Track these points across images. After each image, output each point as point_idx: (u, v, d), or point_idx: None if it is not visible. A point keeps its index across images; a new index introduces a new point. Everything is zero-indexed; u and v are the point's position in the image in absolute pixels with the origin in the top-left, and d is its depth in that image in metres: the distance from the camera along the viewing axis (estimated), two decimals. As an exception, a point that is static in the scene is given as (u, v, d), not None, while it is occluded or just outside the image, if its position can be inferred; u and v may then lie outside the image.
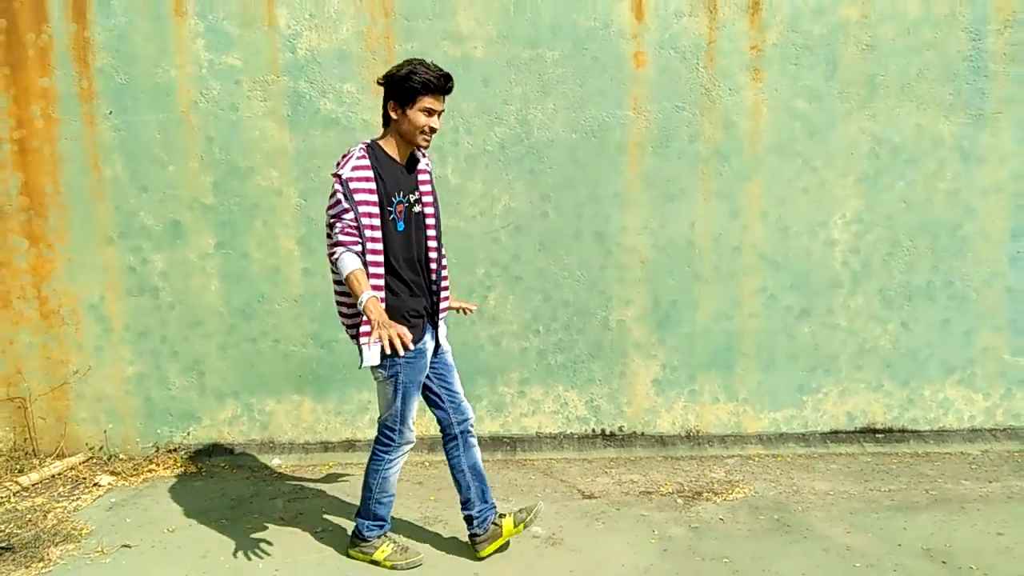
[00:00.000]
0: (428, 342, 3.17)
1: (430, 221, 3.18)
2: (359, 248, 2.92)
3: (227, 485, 4.12)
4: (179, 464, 4.35)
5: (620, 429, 4.54)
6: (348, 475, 4.22)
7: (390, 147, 3.08)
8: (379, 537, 3.29)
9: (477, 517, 3.27)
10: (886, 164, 4.34)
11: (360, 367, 3.06)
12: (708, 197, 4.37)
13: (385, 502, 3.27)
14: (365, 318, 2.87)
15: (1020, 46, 4.26)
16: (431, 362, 3.22)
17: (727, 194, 4.37)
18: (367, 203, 2.94)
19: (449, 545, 3.41)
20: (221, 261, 4.38)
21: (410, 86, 2.94)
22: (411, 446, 3.25)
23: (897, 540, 3.39)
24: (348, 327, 3.12)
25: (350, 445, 4.48)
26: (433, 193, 3.22)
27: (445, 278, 3.27)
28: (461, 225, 4.37)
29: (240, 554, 3.36)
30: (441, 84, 2.98)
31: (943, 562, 3.20)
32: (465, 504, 3.30)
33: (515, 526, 3.26)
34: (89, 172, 4.31)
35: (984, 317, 4.45)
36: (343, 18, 4.22)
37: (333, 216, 2.94)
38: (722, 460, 4.34)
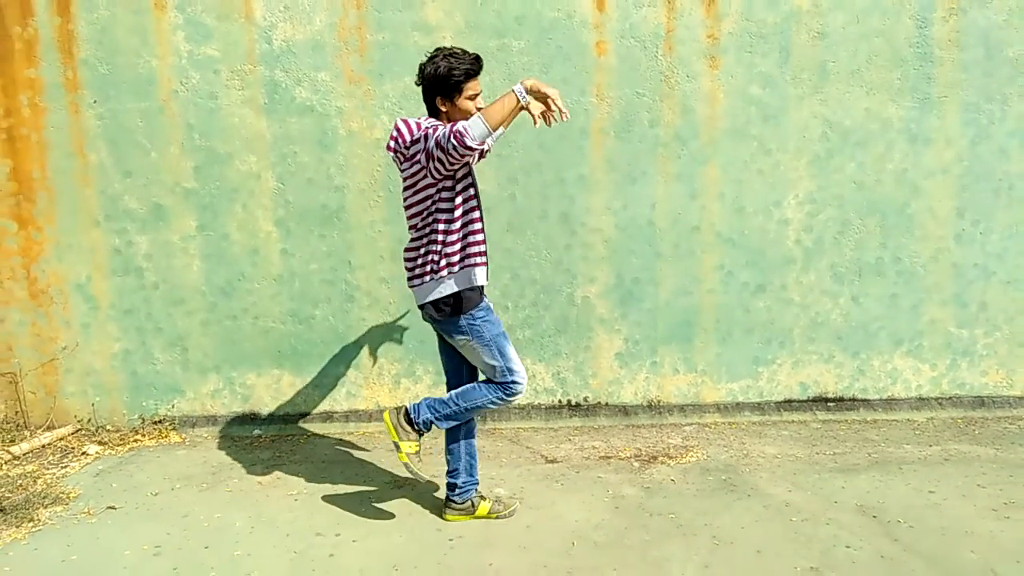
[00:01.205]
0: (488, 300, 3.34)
1: (474, 203, 3.25)
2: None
3: (209, 454, 4.34)
4: (163, 435, 4.57)
5: (585, 400, 4.77)
6: (325, 443, 4.44)
7: None
8: (419, 434, 3.33)
9: (460, 487, 3.47)
10: (837, 147, 4.55)
11: (436, 317, 3.21)
12: (668, 179, 4.58)
13: (463, 417, 3.33)
14: (443, 263, 3.11)
15: (964, 33, 4.47)
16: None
17: (686, 176, 4.58)
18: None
19: (415, 506, 3.64)
20: (203, 242, 4.58)
21: (454, 80, 3.10)
22: (524, 387, 3.33)
23: (835, 498, 3.63)
24: (420, 275, 3.21)
25: (327, 416, 4.71)
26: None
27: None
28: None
29: (219, 514, 3.58)
30: (478, 68, 3.15)
31: (874, 516, 3.44)
32: (452, 472, 3.49)
33: (488, 512, 3.48)
34: (75, 158, 4.51)
35: (931, 291, 4.68)
36: (316, 10, 4.41)
37: (428, 135, 2.98)
38: (680, 428, 4.58)
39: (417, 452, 3.35)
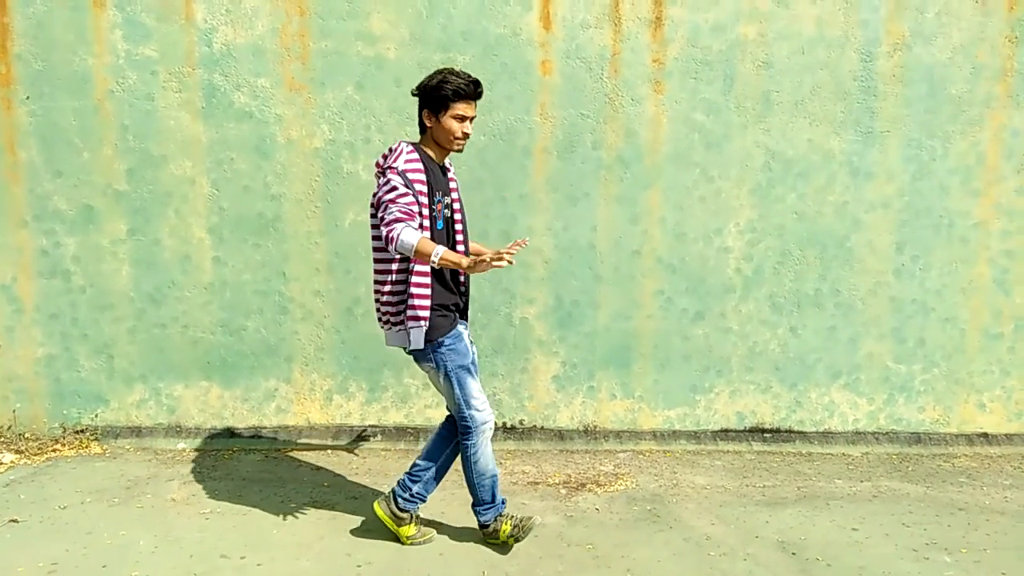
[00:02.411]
0: (462, 330, 3.28)
1: (459, 227, 3.32)
2: (416, 224, 3.01)
3: (127, 466, 4.21)
4: (84, 445, 4.43)
5: (520, 423, 4.70)
6: (250, 460, 4.32)
7: (431, 149, 3.23)
8: (495, 519, 3.36)
9: (409, 500, 3.38)
10: (779, 176, 4.54)
11: (408, 350, 3.21)
12: (609, 202, 4.54)
13: (487, 484, 3.33)
14: (411, 303, 3.08)
15: (908, 69, 4.49)
16: None
17: (628, 199, 4.55)
18: (421, 193, 3.07)
19: (329, 530, 3.54)
20: (133, 247, 4.46)
21: (442, 94, 3.08)
22: (488, 426, 3.28)
23: (756, 532, 3.58)
24: (391, 315, 3.18)
25: (256, 432, 4.59)
26: (459, 199, 3.37)
27: (468, 278, 3.41)
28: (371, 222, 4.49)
29: (124, 532, 3.46)
30: (471, 90, 3.11)
31: (793, 553, 3.40)
32: (412, 477, 3.40)
33: (406, 537, 3.37)
34: (4, 155, 4.38)
35: (869, 325, 4.67)
36: (259, 14, 4.33)
37: (389, 199, 2.98)
38: (614, 454, 4.52)
39: (513, 526, 3.34)
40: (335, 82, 4.38)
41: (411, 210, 2.99)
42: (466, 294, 3.38)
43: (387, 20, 4.36)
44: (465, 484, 3.39)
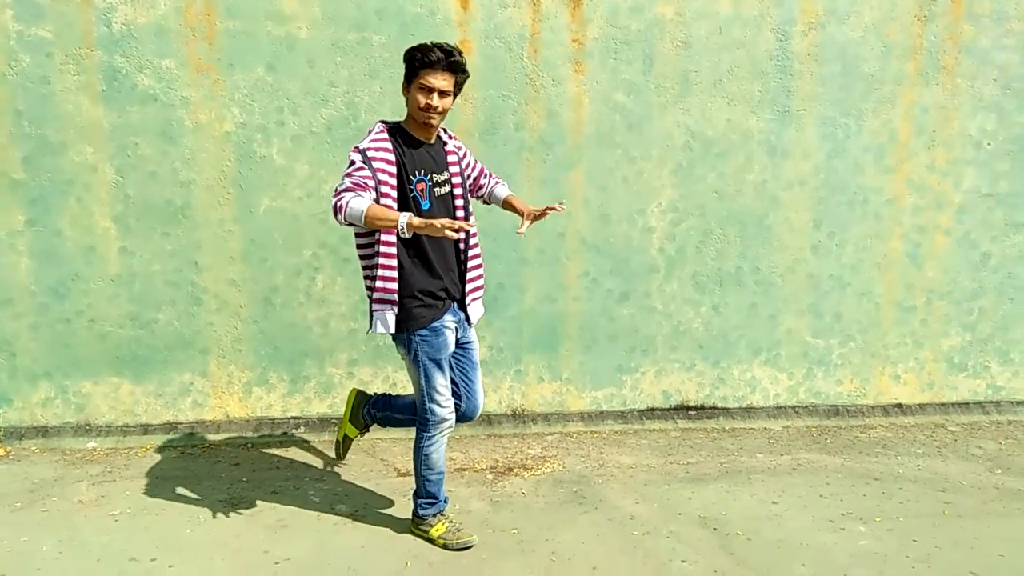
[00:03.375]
0: (449, 322, 3.17)
1: (459, 202, 3.18)
2: (370, 196, 2.86)
3: (33, 468, 4.01)
4: (-15, 448, 4.20)
5: (448, 409, 4.64)
6: (164, 457, 4.17)
7: (411, 127, 3.10)
8: (434, 515, 3.31)
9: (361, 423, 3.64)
10: (699, 156, 4.56)
11: (368, 332, 3.17)
12: (533, 184, 4.50)
13: (434, 479, 3.29)
14: (379, 286, 2.98)
15: (823, 47, 4.55)
16: (456, 352, 3.27)
17: (551, 181, 4.51)
18: (385, 172, 2.93)
19: (247, 527, 3.43)
20: (32, 238, 4.22)
21: (411, 65, 3.00)
22: (447, 424, 3.23)
23: (679, 509, 3.62)
24: (368, 290, 3.12)
25: (171, 427, 4.42)
26: (461, 174, 3.22)
27: (477, 259, 3.28)
28: (288, 206, 4.36)
29: (27, 537, 3.29)
30: (436, 59, 2.94)
31: (714, 528, 3.44)
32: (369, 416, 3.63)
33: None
34: None
35: (788, 301, 4.76)
36: (160, -8, 4.12)
37: (344, 175, 2.89)
38: (542, 437, 4.51)
39: (449, 526, 3.28)
40: (244, 63, 4.21)
41: (364, 183, 2.87)
42: (465, 275, 3.23)
43: (298, -2, 4.21)
44: (395, 473, 3.33)
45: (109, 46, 4.13)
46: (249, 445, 4.35)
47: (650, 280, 4.65)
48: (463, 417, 3.40)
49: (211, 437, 4.38)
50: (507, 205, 3.48)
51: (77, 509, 3.56)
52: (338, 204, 2.83)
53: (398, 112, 4.29)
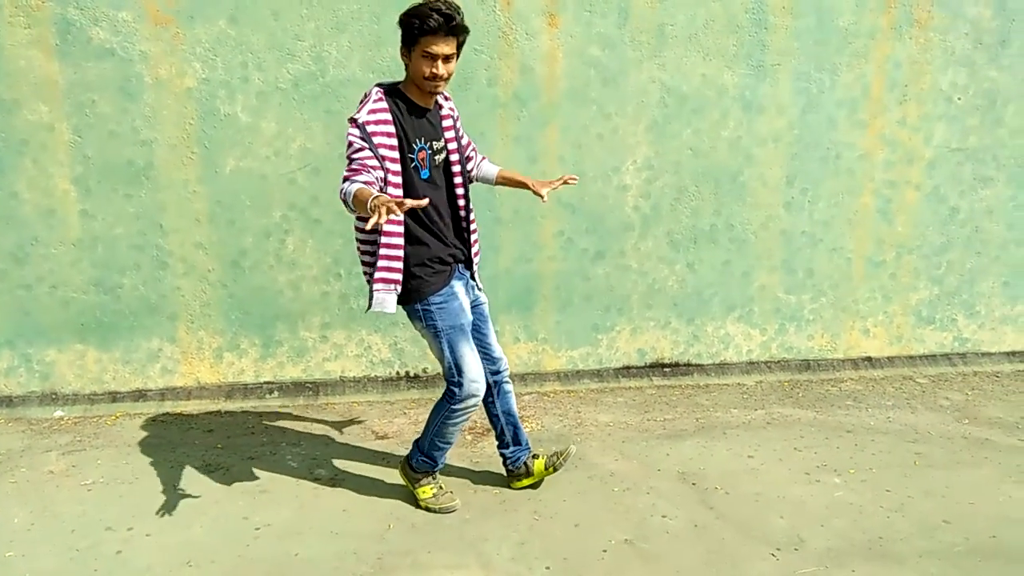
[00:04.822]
0: (458, 287, 3.09)
1: (456, 168, 3.07)
2: (364, 178, 2.72)
3: (-2, 439, 3.90)
4: (-54, 420, 4.08)
5: (424, 371, 4.61)
6: (134, 425, 4.08)
7: (411, 92, 2.94)
8: (426, 474, 3.27)
9: (510, 457, 3.40)
10: (674, 112, 4.52)
11: (367, 311, 3.05)
12: (507, 141, 4.42)
13: (441, 446, 3.23)
14: (382, 264, 2.86)
15: (798, 0, 4.50)
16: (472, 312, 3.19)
17: (526, 138, 4.43)
18: (385, 145, 2.80)
19: (224, 493, 3.38)
20: (-14, 202, 4.06)
21: (406, 30, 2.82)
22: (473, 402, 3.07)
23: (658, 465, 3.65)
24: (366, 274, 3.00)
25: (140, 395, 4.33)
26: (457, 139, 3.10)
27: (474, 223, 3.19)
28: (255, 166, 4.23)
29: (-5, 510, 3.21)
30: (439, 25, 2.76)
31: (693, 484, 3.48)
32: (500, 444, 3.43)
33: (545, 469, 3.36)
34: None
35: (761, 258, 4.78)
36: (114, -60, 3.91)
37: (347, 158, 2.79)
38: (520, 397, 4.49)
39: (436, 490, 3.26)
40: (205, 15, 4.04)
41: (363, 164, 2.76)
42: (468, 240, 3.17)
43: (260, -53, 4.03)
44: (373, 436, 3.29)
45: (61, -3, 3.93)
46: (222, 411, 4.28)
47: (625, 239, 4.63)
48: (497, 373, 3.30)
49: (182, 404, 4.30)
50: (504, 180, 3.40)
51: (48, 479, 3.48)
52: (342, 195, 2.72)
53: (367, 66, 4.20)
